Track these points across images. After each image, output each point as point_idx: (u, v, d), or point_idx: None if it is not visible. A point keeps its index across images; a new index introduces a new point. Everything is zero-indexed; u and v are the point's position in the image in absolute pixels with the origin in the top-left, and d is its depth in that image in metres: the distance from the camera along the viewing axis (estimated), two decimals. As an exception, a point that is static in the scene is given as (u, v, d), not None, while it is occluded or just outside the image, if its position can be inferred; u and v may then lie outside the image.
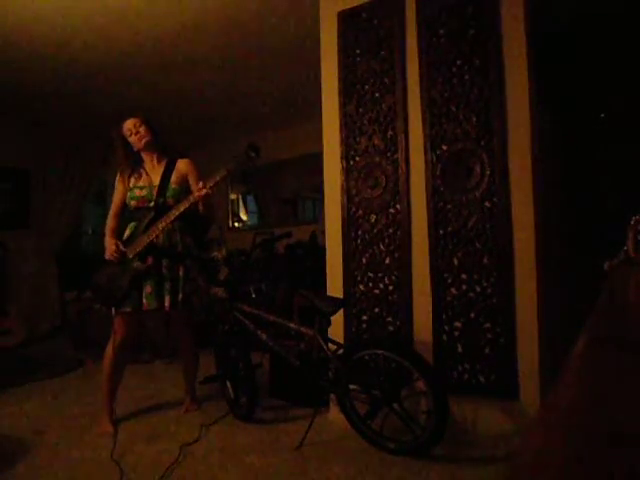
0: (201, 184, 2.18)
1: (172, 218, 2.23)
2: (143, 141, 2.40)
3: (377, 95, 2.37)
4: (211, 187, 2.16)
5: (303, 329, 2.18)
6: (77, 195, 5.04)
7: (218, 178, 2.15)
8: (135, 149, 2.43)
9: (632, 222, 1.27)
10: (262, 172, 5.22)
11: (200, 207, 2.27)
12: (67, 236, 5.07)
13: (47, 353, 4.13)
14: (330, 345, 2.11)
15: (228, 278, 2.52)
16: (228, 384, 2.52)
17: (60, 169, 4.91)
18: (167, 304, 2.27)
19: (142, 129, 2.39)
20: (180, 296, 2.29)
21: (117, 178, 2.48)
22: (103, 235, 2.45)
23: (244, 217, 5.87)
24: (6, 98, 4.07)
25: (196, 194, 2.19)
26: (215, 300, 2.52)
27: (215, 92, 4.18)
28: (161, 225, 2.24)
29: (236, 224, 5.87)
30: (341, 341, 2.32)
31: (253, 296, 2.71)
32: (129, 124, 2.39)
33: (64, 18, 2.85)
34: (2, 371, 3.39)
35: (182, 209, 2.21)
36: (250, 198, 5.88)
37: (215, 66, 3.63)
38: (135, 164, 2.45)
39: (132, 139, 2.40)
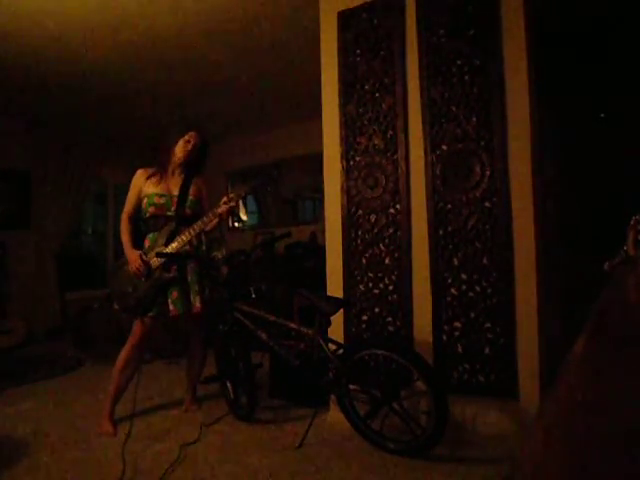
0: (225, 199, 2.30)
1: (197, 231, 2.32)
2: (188, 149, 2.42)
3: (377, 95, 2.37)
4: (235, 202, 2.30)
5: (303, 329, 2.18)
6: (77, 195, 5.04)
7: (243, 194, 2.33)
8: (174, 157, 2.44)
9: (632, 222, 1.27)
10: (262, 172, 5.22)
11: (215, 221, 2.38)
12: (67, 236, 5.07)
13: (47, 353, 4.13)
14: (330, 345, 2.11)
15: (228, 278, 2.52)
16: (228, 384, 2.52)
17: (60, 169, 4.91)
18: (198, 304, 2.34)
19: (195, 143, 2.43)
20: (206, 294, 2.39)
21: (137, 174, 2.47)
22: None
23: (244, 217, 5.87)
24: (6, 98, 4.08)
25: (221, 209, 2.30)
26: (215, 300, 2.52)
27: (214, 92, 4.19)
28: (185, 237, 2.33)
29: (236, 224, 5.87)
30: (341, 341, 2.33)
31: (253, 296, 2.71)
32: (191, 133, 2.44)
33: (65, 17, 2.85)
34: (2, 371, 3.40)
35: (207, 222, 2.32)
36: (250, 198, 5.88)
37: (214, 66, 3.64)
38: (160, 169, 2.46)
39: (180, 144, 2.42)
